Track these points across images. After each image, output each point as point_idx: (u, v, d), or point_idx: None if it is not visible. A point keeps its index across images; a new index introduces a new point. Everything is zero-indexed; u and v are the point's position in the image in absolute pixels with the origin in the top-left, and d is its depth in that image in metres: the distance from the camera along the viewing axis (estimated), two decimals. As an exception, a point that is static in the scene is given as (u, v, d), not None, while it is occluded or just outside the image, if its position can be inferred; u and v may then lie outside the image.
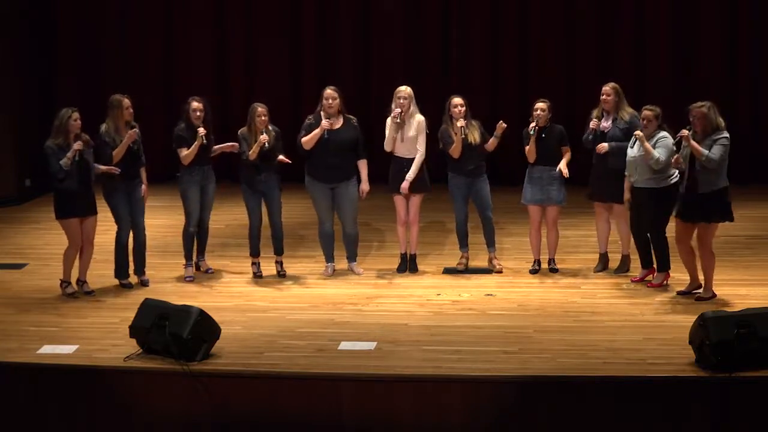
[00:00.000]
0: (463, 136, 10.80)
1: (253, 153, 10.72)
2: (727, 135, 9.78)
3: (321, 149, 10.83)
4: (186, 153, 10.80)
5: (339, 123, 10.87)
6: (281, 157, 10.81)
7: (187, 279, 11.06)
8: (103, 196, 10.70)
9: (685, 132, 9.77)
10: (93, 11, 15.40)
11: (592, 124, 10.75)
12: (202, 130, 10.73)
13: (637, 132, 10.24)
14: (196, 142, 10.73)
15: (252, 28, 15.31)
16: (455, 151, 10.88)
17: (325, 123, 10.76)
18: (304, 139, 10.83)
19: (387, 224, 12.24)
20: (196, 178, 10.91)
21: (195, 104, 10.85)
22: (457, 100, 10.92)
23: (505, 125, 10.81)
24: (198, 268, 11.20)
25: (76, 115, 10.35)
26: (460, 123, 10.81)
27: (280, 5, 15.26)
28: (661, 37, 14.69)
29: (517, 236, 12.06)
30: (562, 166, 10.74)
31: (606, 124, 10.73)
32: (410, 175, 10.94)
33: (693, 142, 9.71)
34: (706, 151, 9.67)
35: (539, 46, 14.84)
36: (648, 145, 10.11)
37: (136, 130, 10.57)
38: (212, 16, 15.36)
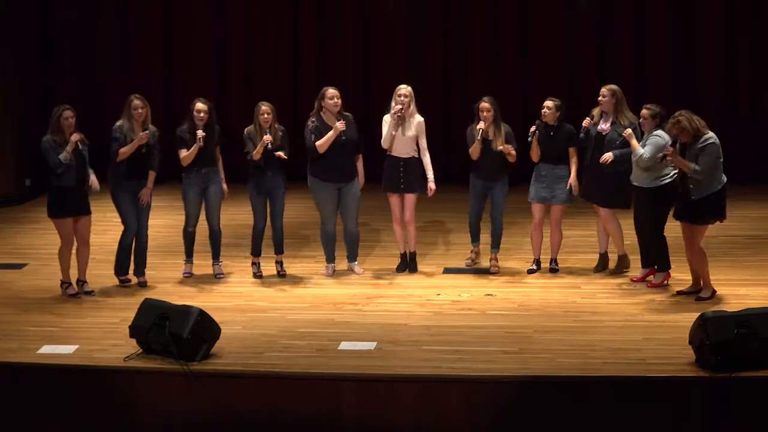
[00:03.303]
0: (479, 138, 10.77)
1: (257, 153, 10.70)
2: (713, 138, 9.73)
3: (332, 151, 10.81)
4: (185, 155, 10.79)
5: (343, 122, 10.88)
6: (280, 152, 10.78)
7: (185, 275, 11.08)
8: (111, 195, 10.71)
9: (669, 149, 9.79)
10: (93, 12, 15.40)
11: (585, 122, 10.74)
12: (201, 133, 10.71)
13: (627, 130, 10.29)
14: (194, 146, 10.72)
15: (252, 28, 15.31)
16: (473, 153, 10.86)
17: (339, 125, 10.72)
18: (318, 143, 10.78)
19: (387, 224, 12.23)
20: (195, 181, 10.89)
21: (199, 105, 10.83)
22: (485, 105, 10.82)
23: (511, 149, 10.78)
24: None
25: (68, 113, 10.35)
26: (480, 126, 10.77)
27: (280, 5, 15.26)
28: (661, 37, 14.70)
29: (517, 236, 12.05)
30: (573, 179, 10.73)
31: (605, 126, 10.72)
32: (431, 175, 10.95)
33: (678, 158, 9.72)
34: (692, 165, 9.68)
35: (539, 46, 14.84)
36: (634, 142, 10.16)
37: (147, 132, 10.56)
38: (212, 16, 15.35)
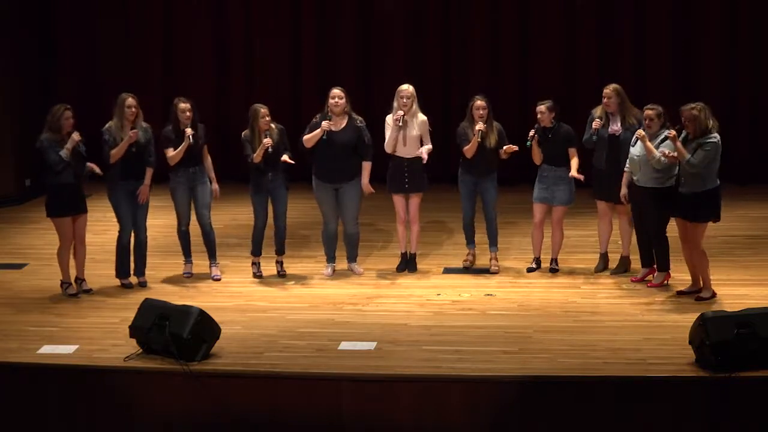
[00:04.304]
0: (480, 140, 10.78)
1: (257, 156, 10.70)
2: (716, 139, 9.74)
3: (323, 150, 10.83)
4: (172, 154, 10.77)
5: (342, 123, 10.86)
6: (285, 157, 10.79)
7: (185, 275, 11.10)
8: (107, 195, 10.71)
9: (672, 132, 9.80)
10: (93, 12, 15.40)
11: (595, 124, 10.74)
12: (189, 131, 10.70)
13: (639, 131, 10.22)
14: (183, 143, 10.71)
15: (252, 28, 15.31)
16: (469, 151, 10.86)
17: (325, 124, 10.76)
18: (305, 137, 10.86)
19: (389, 224, 12.23)
20: (182, 179, 10.89)
21: (182, 105, 10.81)
22: (480, 103, 10.86)
23: (515, 148, 10.80)
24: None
25: (68, 113, 10.37)
26: (479, 126, 10.78)
27: (280, 5, 15.26)
28: (661, 37, 14.69)
29: (517, 236, 12.06)
30: (574, 172, 10.74)
31: (615, 127, 10.69)
32: (428, 147, 10.88)
33: (678, 144, 9.73)
34: (688, 155, 9.68)
35: (539, 46, 14.84)
36: (649, 144, 10.11)
37: (136, 131, 10.56)
38: (212, 16, 15.35)
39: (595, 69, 14.54)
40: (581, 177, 10.76)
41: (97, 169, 10.54)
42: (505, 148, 10.82)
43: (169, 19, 15.40)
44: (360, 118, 10.99)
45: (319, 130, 10.78)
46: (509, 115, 13.02)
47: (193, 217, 11.06)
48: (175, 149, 10.75)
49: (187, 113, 10.77)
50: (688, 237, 9.99)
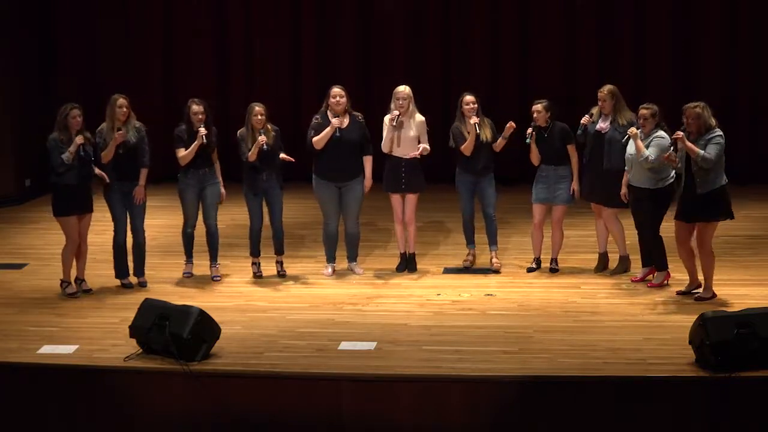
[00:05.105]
0: (478, 132, 10.80)
1: (252, 154, 10.70)
2: (721, 133, 9.79)
3: (331, 149, 10.82)
4: (184, 154, 10.77)
5: (346, 121, 10.86)
6: (283, 155, 10.80)
7: (185, 275, 11.09)
8: (103, 195, 10.71)
9: (679, 134, 9.79)
10: (93, 12, 15.40)
11: (583, 119, 10.75)
12: (202, 130, 10.69)
13: (632, 129, 10.24)
14: (195, 142, 10.71)
15: (252, 28, 15.32)
16: (467, 148, 10.88)
17: (335, 121, 10.75)
18: (315, 139, 10.82)
19: (389, 224, 12.22)
20: (192, 181, 10.88)
21: (195, 107, 10.79)
22: (469, 98, 10.91)
23: (513, 125, 10.82)
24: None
25: (75, 111, 10.37)
26: (474, 120, 10.81)
27: (280, 5, 15.27)
28: (661, 37, 14.70)
29: (517, 236, 12.06)
30: (575, 184, 10.77)
31: (603, 125, 10.71)
32: (423, 147, 10.87)
33: (688, 143, 9.72)
34: (701, 151, 9.68)
35: (539, 46, 14.85)
36: (640, 143, 10.13)
37: (122, 132, 10.53)
38: (212, 16, 15.37)
39: (595, 69, 14.55)
40: (578, 192, 10.80)
41: (106, 178, 10.55)
42: (507, 126, 10.80)
43: (169, 19, 15.41)
44: (360, 114, 11.00)
45: (329, 129, 10.76)
46: (509, 115, 12.95)
47: (199, 218, 11.04)
48: (186, 149, 10.75)
49: (200, 116, 10.76)
50: (695, 238, 9.95)
